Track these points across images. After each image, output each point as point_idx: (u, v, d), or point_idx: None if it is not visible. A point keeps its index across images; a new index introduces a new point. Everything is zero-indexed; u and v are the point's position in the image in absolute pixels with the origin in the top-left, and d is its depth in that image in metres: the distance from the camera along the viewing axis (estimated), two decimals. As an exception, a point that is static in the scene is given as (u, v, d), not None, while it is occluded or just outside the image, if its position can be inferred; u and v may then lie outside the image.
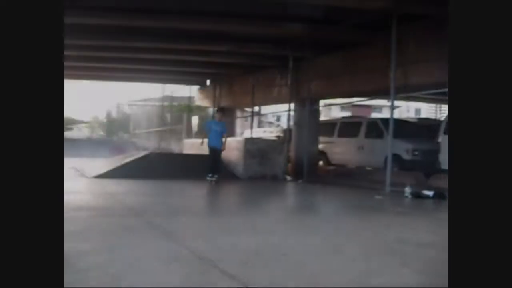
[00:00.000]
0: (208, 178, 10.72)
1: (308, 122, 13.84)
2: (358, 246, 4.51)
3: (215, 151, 10.98)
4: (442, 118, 16.71)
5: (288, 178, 13.22)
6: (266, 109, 21.77)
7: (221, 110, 12.45)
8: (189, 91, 24.00)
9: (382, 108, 38.38)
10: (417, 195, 8.86)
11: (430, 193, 8.91)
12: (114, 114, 46.36)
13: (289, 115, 15.38)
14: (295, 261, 3.82)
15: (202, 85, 22.69)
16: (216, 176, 10.71)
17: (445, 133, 12.38)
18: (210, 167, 10.90)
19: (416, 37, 11.11)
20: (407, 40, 11.14)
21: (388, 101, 10.69)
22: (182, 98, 26.64)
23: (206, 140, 11.31)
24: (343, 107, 36.81)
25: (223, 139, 11.16)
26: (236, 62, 16.87)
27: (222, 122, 11.46)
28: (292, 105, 15.18)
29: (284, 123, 21.22)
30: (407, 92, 11.71)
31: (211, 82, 21.39)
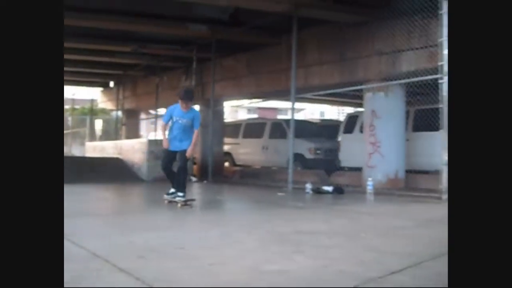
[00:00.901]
0: (167, 196, 7.24)
1: (213, 123, 13.89)
2: (256, 238, 4.59)
3: (179, 155, 7.07)
4: (343, 119, 17.44)
5: (194, 179, 13.17)
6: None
7: (187, 94, 7.19)
8: (91, 93, 23.20)
9: (287, 111, 39.33)
10: (317, 191, 9.21)
11: (329, 188, 9.30)
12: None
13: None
14: (191, 253, 3.82)
15: (105, 86, 22.03)
16: (182, 193, 6.99)
17: (344, 132, 12.95)
18: (175, 180, 7.14)
19: (318, 40, 11.57)
20: (309, 43, 11.57)
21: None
22: (83, 100, 25.69)
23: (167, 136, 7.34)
24: (249, 109, 37.32)
25: (193, 137, 7.10)
26: (141, 63, 16.59)
27: (192, 111, 7.20)
28: (197, 107, 15.16)
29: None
30: (309, 92, 12.10)
31: (114, 84, 20.82)
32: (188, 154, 7.08)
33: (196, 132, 7.13)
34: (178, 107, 7.12)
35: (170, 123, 7.23)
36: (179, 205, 6.91)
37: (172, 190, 7.20)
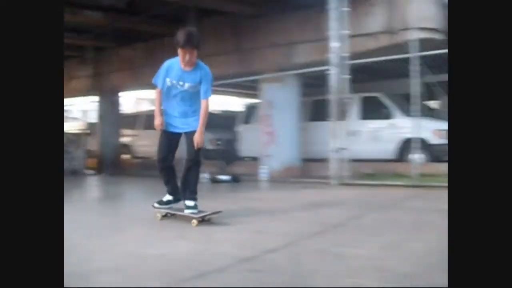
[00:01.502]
0: (158, 206, 4.83)
1: (110, 115, 13.55)
2: (143, 226, 4.58)
3: (188, 140, 4.60)
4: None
5: (89, 172, 12.78)
6: (70, 102, 20.57)
7: (190, 37, 4.41)
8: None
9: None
10: (214, 180, 9.32)
11: (226, 177, 9.45)
12: None
13: (88, 107, 14.91)
14: (73, 243, 3.73)
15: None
16: (194, 202, 4.65)
17: (244, 123, 13.13)
18: (170, 183, 4.87)
19: (216, 31, 11.62)
20: (207, 33, 11.58)
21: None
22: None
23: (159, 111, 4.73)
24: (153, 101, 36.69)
25: (201, 112, 4.53)
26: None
27: (199, 67, 4.54)
28: (96, 98, 14.72)
29: (91, 119, 20.45)
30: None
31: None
32: (196, 140, 4.48)
33: (205, 102, 4.50)
34: (175, 63, 4.55)
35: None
36: (194, 222, 4.42)
37: (168, 197, 4.84)
